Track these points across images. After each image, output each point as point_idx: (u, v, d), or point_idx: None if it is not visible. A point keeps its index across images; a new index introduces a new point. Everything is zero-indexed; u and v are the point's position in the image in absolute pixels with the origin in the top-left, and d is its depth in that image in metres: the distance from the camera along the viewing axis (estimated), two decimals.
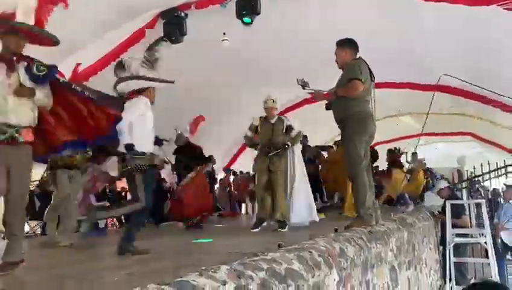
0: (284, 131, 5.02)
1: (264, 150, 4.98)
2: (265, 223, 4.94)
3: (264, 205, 4.91)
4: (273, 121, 5.04)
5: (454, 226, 6.90)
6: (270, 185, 4.91)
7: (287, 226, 4.75)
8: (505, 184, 8.66)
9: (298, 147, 5.36)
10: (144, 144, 3.24)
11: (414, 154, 9.76)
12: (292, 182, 5.07)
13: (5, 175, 2.51)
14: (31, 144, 2.63)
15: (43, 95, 2.62)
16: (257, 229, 4.78)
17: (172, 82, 3.40)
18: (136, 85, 3.29)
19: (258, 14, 6.15)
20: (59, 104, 2.74)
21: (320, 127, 10.00)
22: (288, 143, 4.96)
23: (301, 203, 5.07)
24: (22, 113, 2.55)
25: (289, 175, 5.04)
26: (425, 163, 9.60)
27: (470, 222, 7.34)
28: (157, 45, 3.37)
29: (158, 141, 4.48)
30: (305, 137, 8.05)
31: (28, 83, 2.57)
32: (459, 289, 6.50)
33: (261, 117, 5.13)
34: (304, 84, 4.28)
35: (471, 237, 7.05)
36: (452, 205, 7.02)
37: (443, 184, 7.76)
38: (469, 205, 7.71)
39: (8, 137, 2.50)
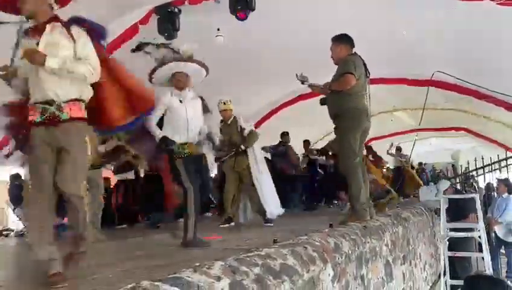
0: (239, 131, 5.20)
1: (226, 151, 5.19)
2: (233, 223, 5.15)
3: (232, 202, 5.15)
4: (229, 122, 5.26)
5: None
6: (238, 184, 5.16)
7: (272, 221, 4.87)
8: (497, 179, 8.72)
9: (257, 144, 5.43)
10: None
11: (398, 148, 9.82)
12: (264, 179, 5.17)
13: (52, 165, 2.05)
14: (82, 120, 2.16)
15: (62, 64, 2.08)
16: (227, 225, 5.01)
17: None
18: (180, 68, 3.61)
19: (253, 9, 6.12)
20: (111, 77, 2.33)
21: (317, 123, 10.00)
22: (242, 146, 5.12)
23: (274, 196, 5.20)
24: (59, 86, 2.09)
25: (253, 172, 5.12)
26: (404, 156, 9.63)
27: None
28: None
29: None
30: (286, 134, 8.05)
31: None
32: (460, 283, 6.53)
33: (221, 120, 5.33)
34: (303, 79, 4.36)
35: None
36: (459, 205, 7.00)
37: (446, 184, 7.73)
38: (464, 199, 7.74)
39: (48, 116, 2.06)
